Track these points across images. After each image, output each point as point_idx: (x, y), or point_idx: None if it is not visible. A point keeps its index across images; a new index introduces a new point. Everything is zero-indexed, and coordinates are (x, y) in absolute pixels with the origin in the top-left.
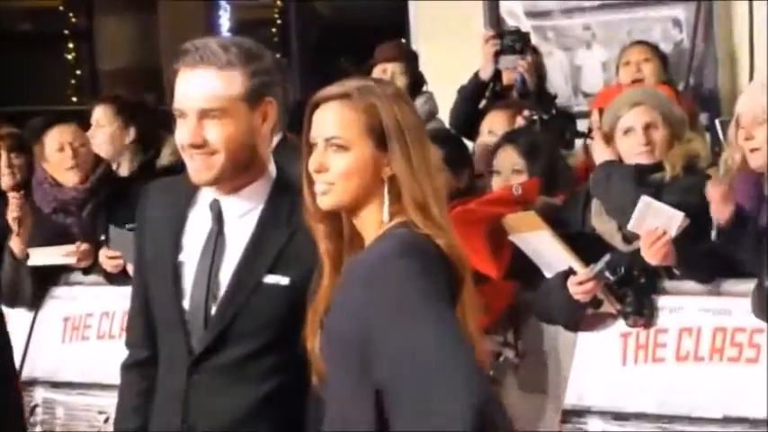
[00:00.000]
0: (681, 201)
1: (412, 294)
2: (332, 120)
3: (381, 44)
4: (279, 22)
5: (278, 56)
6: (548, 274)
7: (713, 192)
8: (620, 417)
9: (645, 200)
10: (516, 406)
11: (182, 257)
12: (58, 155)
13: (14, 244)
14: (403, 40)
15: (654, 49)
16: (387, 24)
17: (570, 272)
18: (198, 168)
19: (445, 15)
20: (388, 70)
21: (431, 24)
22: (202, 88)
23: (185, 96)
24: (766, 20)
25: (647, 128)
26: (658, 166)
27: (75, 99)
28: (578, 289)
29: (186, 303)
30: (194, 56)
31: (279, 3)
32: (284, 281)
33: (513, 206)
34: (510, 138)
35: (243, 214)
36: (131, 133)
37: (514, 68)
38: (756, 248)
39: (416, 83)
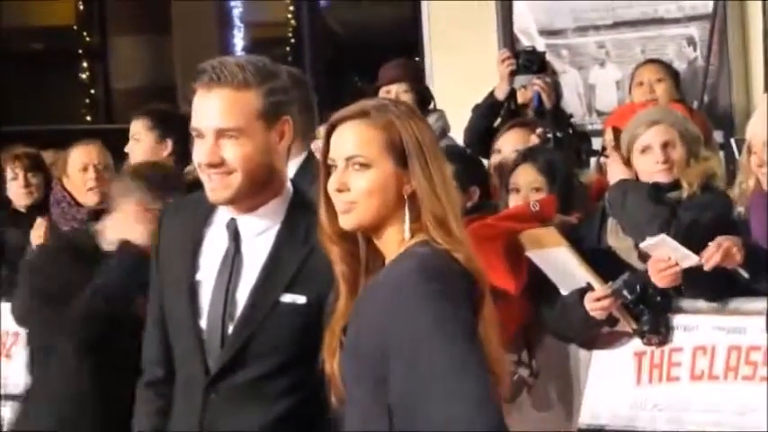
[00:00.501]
0: (698, 217)
1: (429, 321)
2: (352, 139)
3: (384, 65)
4: (292, 40)
5: (298, 69)
6: (564, 292)
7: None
8: None
9: (663, 237)
10: (530, 425)
11: (199, 277)
12: (80, 175)
13: None
14: (416, 59)
15: (667, 67)
16: (400, 42)
17: (587, 289)
18: (215, 188)
19: (458, 34)
20: (392, 91)
21: (444, 42)
22: (219, 108)
23: (202, 116)
24: None
25: (665, 146)
26: (675, 185)
27: (89, 118)
28: (595, 305)
29: (203, 323)
30: (211, 75)
31: (292, 22)
32: (301, 300)
33: (530, 222)
34: (528, 155)
35: (260, 233)
36: (168, 146)
37: (531, 87)
38: None
39: (423, 100)
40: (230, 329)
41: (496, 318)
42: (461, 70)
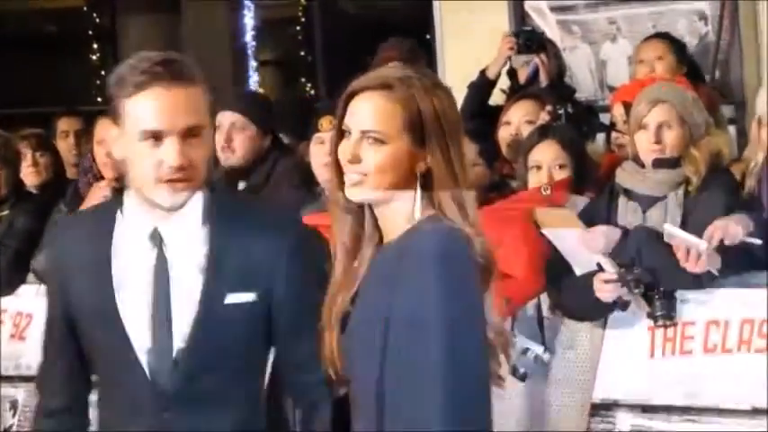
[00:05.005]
0: (707, 203)
1: (440, 318)
2: (371, 111)
3: (383, 43)
4: (303, 20)
5: (302, 54)
6: (578, 272)
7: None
8: (648, 410)
9: (668, 230)
10: (546, 401)
11: (121, 296)
12: (97, 148)
13: None
14: (428, 37)
15: (669, 43)
16: (411, 22)
17: (599, 271)
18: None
19: (470, 13)
20: None
21: (455, 22)
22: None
23: None
24: None
25: (661, 126)
26: (675, 162)
27: (100, 99)
28: (602, 287)
29: (143, 342)
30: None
31: (303, 1)
32: (249, 297)
33: (542, 205)
34: (551, 132)
35: (186, 236)
36: None
37: (527, 65)
38: None
39: None
40: (180, 343)
41: (498, 298)
42: (472, 50)
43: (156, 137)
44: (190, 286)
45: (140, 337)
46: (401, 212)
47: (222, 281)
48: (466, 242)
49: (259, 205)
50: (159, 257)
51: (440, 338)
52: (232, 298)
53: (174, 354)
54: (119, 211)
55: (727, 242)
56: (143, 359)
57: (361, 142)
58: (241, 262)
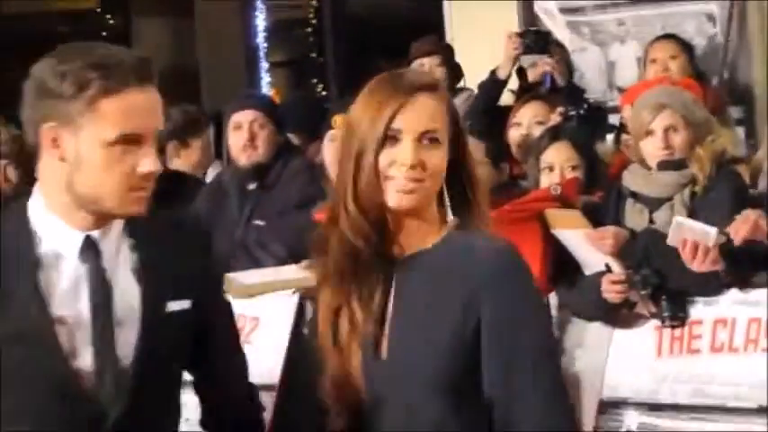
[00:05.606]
0: (716, 199)
1: (533, 311)
2: (427, 112)
3: (416, 41)
4: (313, 21)
5: (312, 55)
6: (587, 272)
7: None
8: (655, 408)
9: (677, 220)
10: None
11: (56, 311)
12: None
13: None
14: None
15: (680, 43)
16: (421, 22)
17: (607, 271)
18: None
19: (480, 13)
20: (425, 65)
21: (465, 22)
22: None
23: None
24: None
25: (668, 130)
26: (681, 164)
27: None
28: (611, 287)
29: (83, 363)
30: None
31: (314, 2)
32: (186, 304)
33: (553, 204)
34: (563, 133)
35: (117, 245)
36: None
37: (542, 66)
38: None
39: (455, 75)
40: (124, 360)
41: None
42: (483, 51)
43: (132, 141)
44: (130, 296)
45: (81, 358)
46: (431, 218)
47: (161, 288)
48: None
49: (165, 212)
50: (96, 268)
51: (543, 343)
52: (172, 306)
53: (119, 371)
54: (30, 217)
55: (756, 238)
56: (85, 382)
57: (419, 145)
58: (171, 268)
